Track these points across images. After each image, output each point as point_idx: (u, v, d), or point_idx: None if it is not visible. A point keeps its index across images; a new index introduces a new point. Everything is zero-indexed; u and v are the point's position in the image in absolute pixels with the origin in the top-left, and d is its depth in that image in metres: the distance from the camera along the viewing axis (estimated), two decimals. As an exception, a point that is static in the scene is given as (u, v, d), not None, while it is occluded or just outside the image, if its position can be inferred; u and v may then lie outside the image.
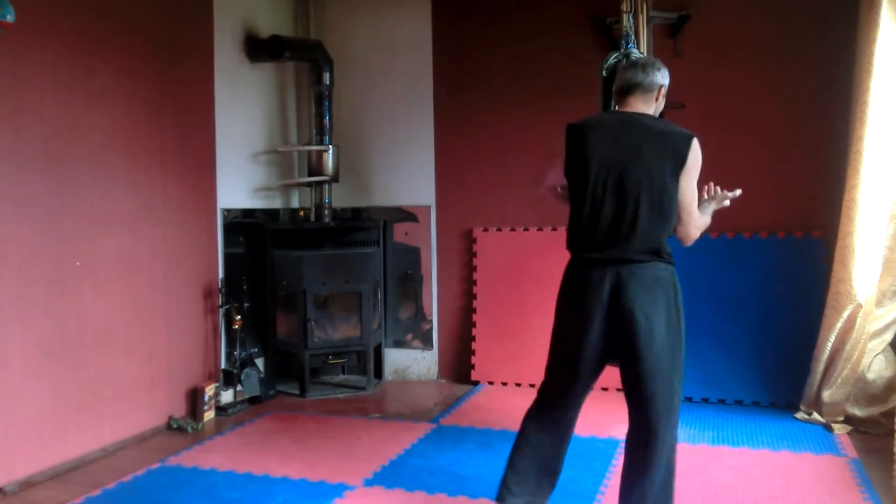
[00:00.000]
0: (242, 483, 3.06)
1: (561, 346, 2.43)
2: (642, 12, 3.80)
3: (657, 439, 2.25)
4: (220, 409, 4.06)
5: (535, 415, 2.49)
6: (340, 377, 4.89)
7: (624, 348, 2.28)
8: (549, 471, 2.47)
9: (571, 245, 2.47)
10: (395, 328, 5.03)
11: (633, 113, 2.41)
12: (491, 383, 4.68)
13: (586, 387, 2.40)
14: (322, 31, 5.02)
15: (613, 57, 3.45)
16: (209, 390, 3.98)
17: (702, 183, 2.46)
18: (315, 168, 4.72)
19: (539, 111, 4.62)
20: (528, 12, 4.65)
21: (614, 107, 2.60)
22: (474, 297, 4.81)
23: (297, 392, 4.50)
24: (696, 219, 2.36)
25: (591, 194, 2.33)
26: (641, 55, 3.43)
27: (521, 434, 2.50)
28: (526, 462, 2.46)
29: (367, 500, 2.87)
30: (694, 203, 2.35)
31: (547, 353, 2.49)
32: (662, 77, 2.45)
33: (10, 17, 2.84)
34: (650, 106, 2.45)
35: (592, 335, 2.30)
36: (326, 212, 4.77)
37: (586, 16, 4.46)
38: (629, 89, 2.44)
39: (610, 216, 2.31)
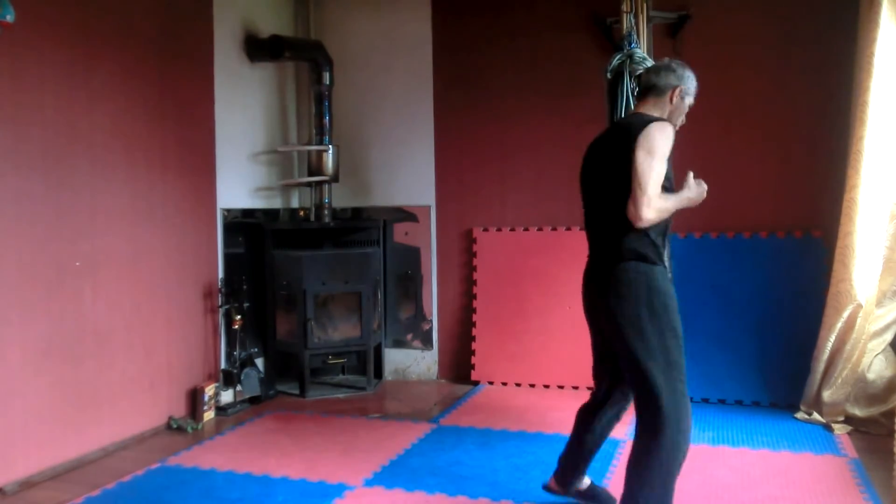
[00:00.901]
0: (242, 483, 3.06)
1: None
2: (642, 12, 3.80)
3: (641, 428, 2.38)
4: (220, 409, 4.06)
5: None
6: (340, 377, 4.89)
7: (609, 340, 2.49)
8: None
9: None
10: (395, 328, 5.03)
11: (625, 118, 2.54)
12: (491, 383, 4.68)
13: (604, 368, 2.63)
14: (322, 31, 5.02)
15: (617, 58, 3.43)
16: (209, 390, 3.98)
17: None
18: (315, 168, 4.72)
19: (539, 111, 4.62)
20: (528, 12, 4.65)
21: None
22: (474, 297, 4.81)
23: (297, 392, 4.50)
24: (650, 197, 2.23)
25: (583, 201, 2.59)
26: (645, 56, 3.43)
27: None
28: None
29: (367, 500, 2.87)
30: (645, 178, 2.24)
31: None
32: (678, 79, 2.51)
33: (10, 17, 2.84)
34: (661, 108, 2.51)
35: (591, 328, 2.62)
36: (326, 212, 4.77)
37: (586, 16, 4.46)
38: (644, 92, 2.57)
39: (588, 222, 2.56)
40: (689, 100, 2.55)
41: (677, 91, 2.50)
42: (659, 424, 2.30)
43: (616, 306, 2.37)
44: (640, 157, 2.26)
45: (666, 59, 2.60)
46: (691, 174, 2.50)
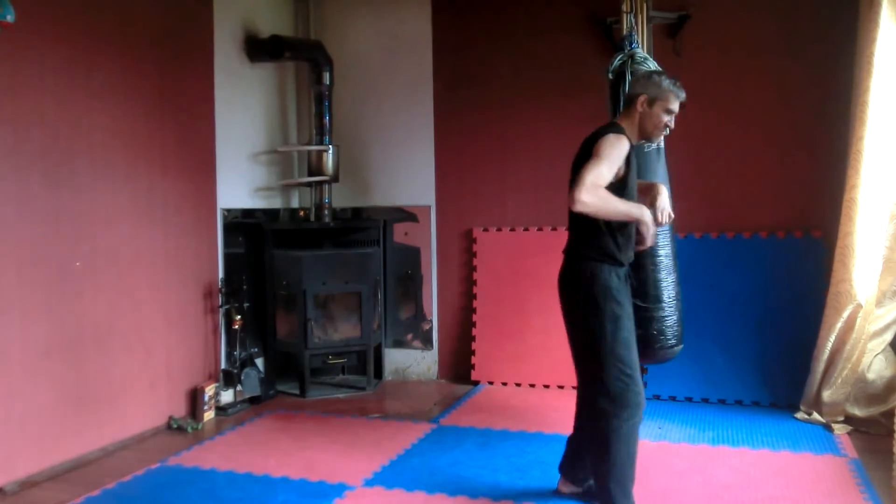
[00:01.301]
0: (242, 483, 3.07)
1: None
2: (642, 12, 3.80)
3: (586, 409, 2.62)
4: (220, 409, 4.06)
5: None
6: (340, 377, 4.89)
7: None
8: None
9: None
10: (395, 328, 5.03)
11: (601, 126, 2.61)
12: (491, 383, 4.68)
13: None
14: (322, 31, 5.03)
15: (619, 59, 3.43)
16: (209, 390, 3.98)
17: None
18: (315, 168, 4.72)
19: (539, 111, 4.62)
20: (528, 12, 4.65)
21: None
22: (474, 297, 4.81)
23: (297, 392, 4.50)
24: (587, 185, 2.32)
25: None
26: (647, 56, 3.43)
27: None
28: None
29: (367, 500, 2.87)
30: (584, 170, 2.35)
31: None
32: (643, 87, 2.56)
33: (10, 17, 2.84)
34: (631, 116, 2.59)
35: None
36: (326, 212, 4.77)
37: (586, 16, 4.46)
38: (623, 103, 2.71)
39: None
40: (663, 106, 2.53)
41: (641, 100, 2.55)
42: (594, 414, 2.55)
43: (564, 299, 2.61)
44: (590, 159, 2.41)
45: (647, 70, 2.69)
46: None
